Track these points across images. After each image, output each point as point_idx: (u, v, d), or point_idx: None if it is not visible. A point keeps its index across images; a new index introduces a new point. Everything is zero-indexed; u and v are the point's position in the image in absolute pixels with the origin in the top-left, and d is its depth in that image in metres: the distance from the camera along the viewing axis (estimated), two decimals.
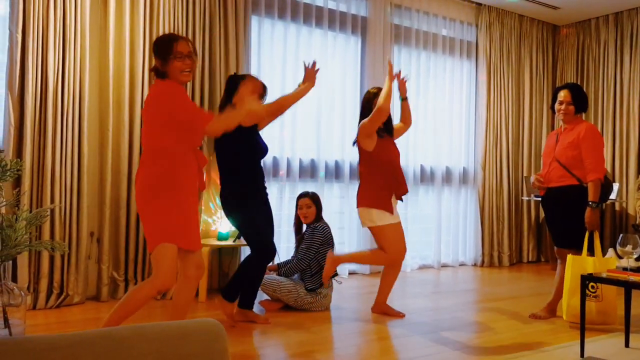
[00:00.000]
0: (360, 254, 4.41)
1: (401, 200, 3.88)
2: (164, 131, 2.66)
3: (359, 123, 3.79)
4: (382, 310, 3.92)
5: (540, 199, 6.23)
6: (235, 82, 3.56)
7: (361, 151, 3.81)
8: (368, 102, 3.79)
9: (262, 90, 3.62)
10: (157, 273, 2.63)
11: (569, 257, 3.68)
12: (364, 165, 3.82)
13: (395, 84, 3.75)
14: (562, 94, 3.83)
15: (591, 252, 3.65)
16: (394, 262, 3.89)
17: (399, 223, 3.84)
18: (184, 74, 2.69)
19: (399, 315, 3.89)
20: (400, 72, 3.85)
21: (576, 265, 3.61)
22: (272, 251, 3.59)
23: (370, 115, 3.65)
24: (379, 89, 3.75)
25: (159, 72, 2.72)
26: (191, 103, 2.75)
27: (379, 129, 3.73)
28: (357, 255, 4.36)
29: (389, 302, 3.97)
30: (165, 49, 2.68)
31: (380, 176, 3.75)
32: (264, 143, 3.71)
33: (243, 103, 2.80)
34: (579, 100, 3.82)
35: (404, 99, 3.94)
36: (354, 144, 3.89)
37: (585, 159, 3.68)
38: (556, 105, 3.87)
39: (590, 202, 3.61)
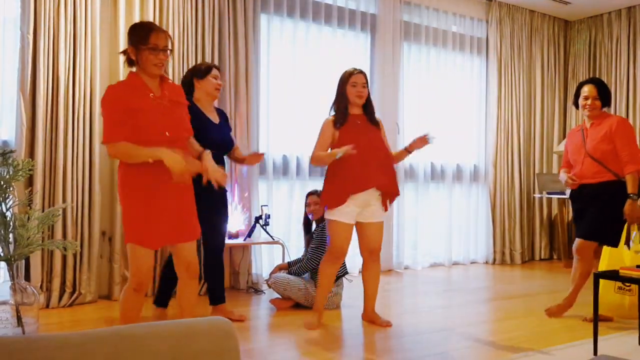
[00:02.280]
0: (317, 286, 3.66)
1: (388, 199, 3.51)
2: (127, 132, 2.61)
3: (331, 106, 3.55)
4: (370, 319, 3.66)
5: (557, 195, 6.17)
6: (191, 80, 3.53)
7: None
8: (341, 83, 3.50)
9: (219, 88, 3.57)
10: (130, 272, 2.65)
11: (606, 249, 3.62)
12: None
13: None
14: (587, 89, 3.75)
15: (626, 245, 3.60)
16: (332, 258, 3.50)
17: (348, 225, 3.42)
18: (155, 66, 2.58)
19: (385, 324, 3.58)
20: (425, 137, 3.50)
21: (613, 258, 3.55)
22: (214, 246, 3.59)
23: (311, 156, 3.51)
24: (355, 69, 3.49)
25: (129, 60, 2.63)
26: (113, 112, 2.54)
27: (335, 120, 3.46)
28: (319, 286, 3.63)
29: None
30: (139, 37, 2.57)
31: (335, 170, 3.43)
32: (221, 137, 3.54)
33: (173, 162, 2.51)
34: (604, 95, 3.75)
35: (408, 152, 3.59)
36: None
37: (620, 152, 3.61)
38: (581, 101, 3.78)
39: (631, 194, 3.55)
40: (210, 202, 3.46)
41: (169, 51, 2.63)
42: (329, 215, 3.43)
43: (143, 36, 2.56)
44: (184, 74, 3.74)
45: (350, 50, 5.48)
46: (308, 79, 5.19)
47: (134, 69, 2.67)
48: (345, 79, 3.47)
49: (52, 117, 3.93)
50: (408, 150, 3.56)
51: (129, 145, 2.52)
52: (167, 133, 2.57)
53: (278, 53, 5.08)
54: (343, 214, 3.39)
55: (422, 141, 3.49)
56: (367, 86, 3.52)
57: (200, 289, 4.43)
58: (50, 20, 3.90)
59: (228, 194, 3.74)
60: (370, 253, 3.56)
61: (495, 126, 6.34)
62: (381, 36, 5.59)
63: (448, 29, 6.11)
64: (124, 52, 2.66)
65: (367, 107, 3.52)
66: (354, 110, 3.49)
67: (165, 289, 3.61)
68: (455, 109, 6.16)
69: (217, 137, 3.46)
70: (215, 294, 3.64)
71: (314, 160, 3.50)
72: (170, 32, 4.37)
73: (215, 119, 3.56)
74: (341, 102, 3.47)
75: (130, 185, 2.61)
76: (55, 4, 3.91)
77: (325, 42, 5.31)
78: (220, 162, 3.50)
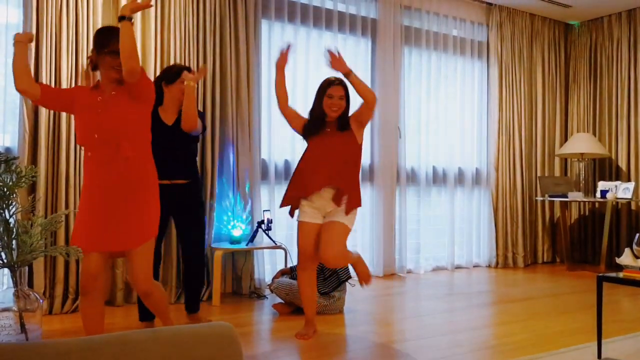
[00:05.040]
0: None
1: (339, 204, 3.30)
2: None
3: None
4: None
5: (559, 198, 6.13)
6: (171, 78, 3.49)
7: None
8: (319, 90, 3.40)
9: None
10: None
11: None
12: None
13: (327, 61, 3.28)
14: None
15: None
16: (299, 261, 3.44)
17: (312, 224, 3.36)
18: (114, 69, 2.61)
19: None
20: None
21: None
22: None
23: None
24: (335, 79, 3.36)
25: (93, 64, 2.69)
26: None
27: (304, 126, 3.43)
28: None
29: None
30: (101, 41, 2.62)
31: (294, 173, 3.45)
32: (167, 139, 3.41)
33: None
34: None
35: (346, 74, 3.29)
36: None
37: None
38: None
39: None
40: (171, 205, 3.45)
41: None
42: (297, 217, 3.44)
43: (104, 40, 2.62)
44: (155, 77, 3.71)
45: (351, 55, 5.49)
46: (309, 84, 5.20)
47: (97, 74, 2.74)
48: (324, 88, 3.36)
49: (54, 123, 3.94)
50: (346, 74, 3.26)
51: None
52: (95, 135, 2.62)
53: None
54: (304, 213, 3.38)
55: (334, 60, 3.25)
56: (346, 98, 3.35)
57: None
58: (53, 27, 3.92)
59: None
60: (316, 258, 3.41)
61: (497, 129, 6.34)
62: (382, 41, 5.60)
63: (449, 33, 6.12)
64: (90, 58, 2.72)
65: (341, 118, 3.36)
66: (327, 119, 3.40)
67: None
68: (456, 113, 6.16)
69: (162, 139, 3.32)
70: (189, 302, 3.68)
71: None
72: (172, 38, 4.39)
73: (169, 120, 3.48)
74: (316, 110, 3.39)
75: (84, 177, 2.74)
76: (57, 10, 3.93)
77: (326, 47, 5.31)
78: (169, 162, 3.40)
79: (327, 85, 3.36)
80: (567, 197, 6.20)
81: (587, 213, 6.81)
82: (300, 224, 3.41)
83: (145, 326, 3.50)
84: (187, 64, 4.46)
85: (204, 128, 3.61)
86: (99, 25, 4.10)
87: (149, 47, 4.32)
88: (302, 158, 3.43)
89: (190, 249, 3.58)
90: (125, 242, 2.66)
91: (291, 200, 3.42)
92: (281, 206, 3.49)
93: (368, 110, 3.34)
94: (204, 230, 3.67)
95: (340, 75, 3.34)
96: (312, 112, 3.43)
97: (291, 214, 3.51)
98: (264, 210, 4.71)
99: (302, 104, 5.13)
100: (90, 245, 2.66)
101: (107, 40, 2.61)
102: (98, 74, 2.75)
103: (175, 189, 3.45)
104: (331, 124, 3.40)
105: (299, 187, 3.37)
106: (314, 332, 3.45)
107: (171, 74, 3.49)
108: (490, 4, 6.34)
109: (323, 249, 3.27)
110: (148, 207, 2.70)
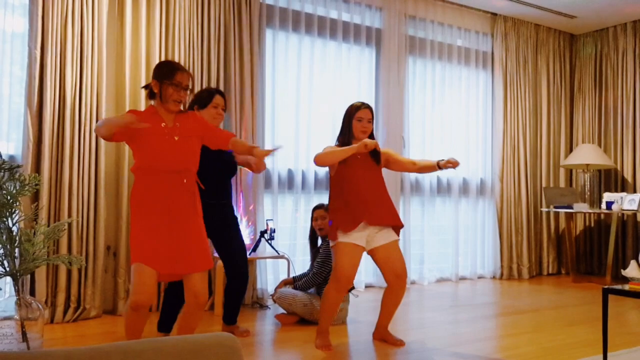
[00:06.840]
0: (321, 310, 3.47)
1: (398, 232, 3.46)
2: (134, 154, 2.76)
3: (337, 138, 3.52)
4: (382, 337, 3.55)
5: (565, 209, 6.11)
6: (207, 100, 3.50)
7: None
8: (347, 116, 3.45)
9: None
10: (130, 291, 2.69)
11: None
12: (330, 186, 3.49)
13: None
14: None
15: None
16: (338, 285, 3.32)
17: (357, 246, 3.30)
18: (175, 103, 2.74)
19: (398, 343, 3.47)
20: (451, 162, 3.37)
21: None
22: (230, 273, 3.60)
23: (316, 157, 3.32)
24: (362, 104, 3.43)
25: (151, 92, 2.79)
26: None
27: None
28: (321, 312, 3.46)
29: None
30: (165, 73, 2.74)
31: (340, 199, 3.37)
32: (218, 162, 3.47)
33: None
34: None
35: (439, 168, 3.45)
36: None
37: None
38: None
39: None
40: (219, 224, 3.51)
41: (189, 90, 2.79)
42: (339, 237, 3.30)
43: (169, 73, 2.74)
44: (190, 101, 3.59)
45: (355, 64, 5.50)
46: (313, 93, 5.21)
47: (152, 102, 2.82)
48: (352, 113, 3.43)
49: (58, 132, 3.95)
50: (439, 167, 3.44)
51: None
52: (170, 164, 2.70)
53: (283, 67, 5.10)
54: (349, 235, 3.28)
55: (454, 165, 3.39)
56: (372, 121, 3.46)
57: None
58: (58, 36, 3.93)
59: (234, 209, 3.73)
60: (397, 277, 3.39)
61: (502, 140, 6.33)
62: (386, 50, 5.61)
63: (453, 43, 6.13)
64: (147, 86, 2.83)
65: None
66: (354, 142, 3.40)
67: (168, 314, 3.49)
68: (461, 123, 6.16)
69: (212, 162, 3.38)
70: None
71: (321, 156, 3.29)
72: (176, 48, 4.41)
73: None
74: (346, 135, 3.44)
75: (138, 202, 2.71)
76: (62, 20, 3.95)
77: (330, 57, 5.34)
78: (220, 185, 3.51)
79: (355, 110, 3.43)
80: (572, 208, 6.18)
81: (592, 224, 6.78)
82: (345, 245, 3.28)
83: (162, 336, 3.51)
84: (190, 72, 4.46)
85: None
86: (104, 33, 4.13)
87: (154, 55, 4.33)
88: (343, 187, 3.33)
89: (238, 264, 3.57)
90: (194, 265, 2.73)
91: (355, 224, 3.29)
92: (332, 239, 3.35)
93: (410, 170, 3.65)
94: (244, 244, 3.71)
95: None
96: (342, 137, 3.47)
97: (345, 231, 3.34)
98: (267, 220, 4.70)
99: (306, 113, 5.14)
100: (161, 267, 2.67)
101: (171, 73, 2.73)
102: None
103: (220, 208, 3.52)
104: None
105: (348, 222, 3.29)
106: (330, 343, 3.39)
107: (203, 98, 3.50)
108: (495, 14, 6.36)
109: (399, 269, 3.40)
110: (204, 233, 2.83)
